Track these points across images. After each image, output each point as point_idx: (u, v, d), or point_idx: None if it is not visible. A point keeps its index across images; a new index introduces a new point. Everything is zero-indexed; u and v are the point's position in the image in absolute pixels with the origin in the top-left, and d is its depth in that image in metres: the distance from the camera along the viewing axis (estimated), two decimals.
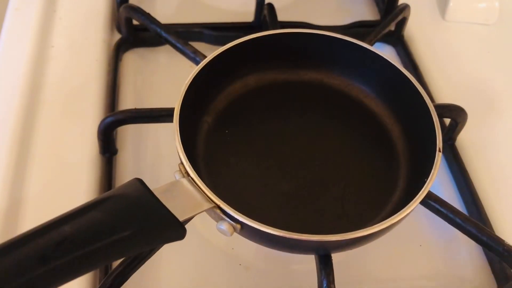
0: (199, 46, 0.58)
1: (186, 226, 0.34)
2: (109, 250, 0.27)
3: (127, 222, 0.28)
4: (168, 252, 0.41)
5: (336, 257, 0.40)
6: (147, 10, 0.60)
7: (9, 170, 0.44)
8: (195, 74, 0.41)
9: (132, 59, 0.57)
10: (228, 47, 0.43)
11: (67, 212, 0.27)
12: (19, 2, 0.58)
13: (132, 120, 0.44)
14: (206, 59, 0.42)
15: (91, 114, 0.49)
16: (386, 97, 0.45)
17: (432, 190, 0.47)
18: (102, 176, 0.46)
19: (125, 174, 0.47)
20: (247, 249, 0.44)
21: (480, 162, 0.50)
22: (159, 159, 0.49)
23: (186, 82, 0.40)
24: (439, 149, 0.37)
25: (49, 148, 0.47)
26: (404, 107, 0.43)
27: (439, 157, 0.37)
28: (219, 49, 0.43)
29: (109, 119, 0.43)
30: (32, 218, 0.43)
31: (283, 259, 0.44)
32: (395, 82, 0.43)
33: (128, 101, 0.53)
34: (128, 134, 0.50)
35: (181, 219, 0.30)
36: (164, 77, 0.55)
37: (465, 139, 0.51)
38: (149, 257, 0.36)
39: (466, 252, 0.45)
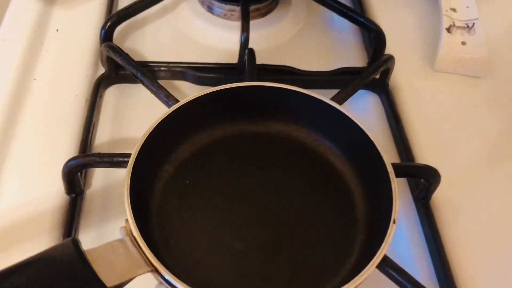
0: (182, 84, 0.59)
1: None
2: None
3: None
4: None
5: None
6: (136, 45, 0.61)
7: None
8: (157, 123, 0.41)
9: (113, 95, 0.57)
10: (194, 97, 0.43)
11: None
12: (7, 33, 0.59)
13: (95, 164, 0.44)
14: (169, 109, 0.42)
15: (64, 151, 0.50)
16: (351, 157, 0.44)
17: (402, 250, 0.46)
18: (65, 216, 0.46)
19: (90, 214, 0.47)
20: None
21: (454, 223, 0.48)
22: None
23: (145, 132, 0.40)
24: (394, 220, 0.36)
25: (18, 183, 0.47)
26: (368, 169, 0.42)
27: (392, 229, 0.36)
28: (184, 100, 0.43)
29: (72, 162, 0.43)
30: None
31: None
32: (360, 142, 0.42)
33: (104, 138, 0.53)
34: (99, 172, 0.50)
35: (109, 285, 0.29)
36: (144, 114, 0.55)
37: (441, 198, 0.49)
38: None
39: None
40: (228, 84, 0.44)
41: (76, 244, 0.30)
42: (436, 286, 0.45)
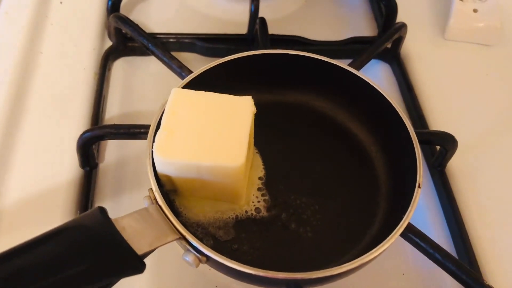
0: (191, 57, 0.58)
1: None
2: (61, 285, 0.26)
3: (81, 256, 0.27)
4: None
5: None
6: (141, 18, 0.60)
7: None
8: None
9: (122, 68, 0.56)
10: (211, 66, 0.42)
11: (21, 244, 0.26)
12: (9, 6, 0.57)
13: (110, 136, 0.43)
14: (186, 79, 0.41)
15: (75, 125, 0.49)
16: (371, 124, 0.43)
17: (418, 217, 0.46)
18: (80, 189, 0.45)
19: (104, 188, 0.47)
20: None
21: (470, 190, 0.48)
22: (140, 173, 0.48)
23: (163, 102, 0.39)
24: (419, 185, 0.36)
25: (31, 157, 0.47)
26: (389, 135, 0.42)
27: (417, 194, 0.36)
28: (200, 69, 0.42)
29: (87, 135, 0.43)
30: (8, 229, 0.42)
31: None
32: (380, 108, 0.42)
33: (114, 112, 0.52)
34: (112, 146, 0.49)
35: (140, 252, 0.29)
36: (153, 86, 0.55)
37: (456, 166, 0.49)
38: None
39: (450, 282, 0.43)
40: (244, 52, 0.43)
41: (104, 212, 0.30)
42: (453, 252, 0.45)
